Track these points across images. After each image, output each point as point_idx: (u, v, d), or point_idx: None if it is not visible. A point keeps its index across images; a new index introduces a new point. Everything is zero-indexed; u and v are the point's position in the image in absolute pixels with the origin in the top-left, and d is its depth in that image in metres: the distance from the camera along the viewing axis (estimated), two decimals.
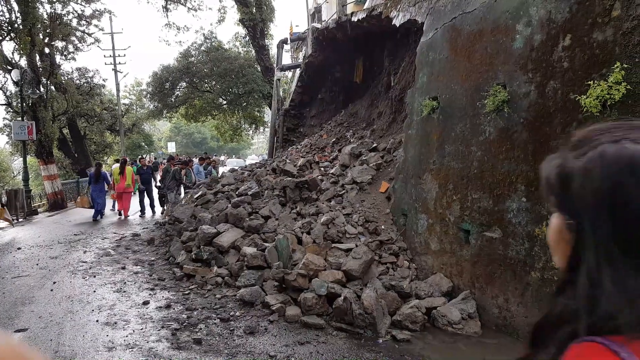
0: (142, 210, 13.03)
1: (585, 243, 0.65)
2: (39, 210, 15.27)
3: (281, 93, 17.06)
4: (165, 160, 16.48)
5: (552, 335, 0.67)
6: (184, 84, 23.79)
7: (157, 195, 13.45)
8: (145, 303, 5.35)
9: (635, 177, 0.62)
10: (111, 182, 13.04)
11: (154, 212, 13.23)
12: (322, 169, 8.87)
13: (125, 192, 12.76)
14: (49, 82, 16.95)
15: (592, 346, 0.61)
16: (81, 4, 18.61)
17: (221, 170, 18.07)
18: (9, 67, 15.35)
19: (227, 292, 5.59)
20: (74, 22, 18.93)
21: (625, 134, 0.65)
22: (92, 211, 12.92)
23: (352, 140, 9.95)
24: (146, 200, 13.21)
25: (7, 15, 14.55)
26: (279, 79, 17.57)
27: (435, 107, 5.33)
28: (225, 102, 24.35)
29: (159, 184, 13.41)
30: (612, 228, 0.63)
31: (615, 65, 3.25)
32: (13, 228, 11.33)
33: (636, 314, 0.60)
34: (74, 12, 18.72)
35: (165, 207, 12.97)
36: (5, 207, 11.46)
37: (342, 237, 5.96)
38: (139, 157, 16.90)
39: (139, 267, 7.07)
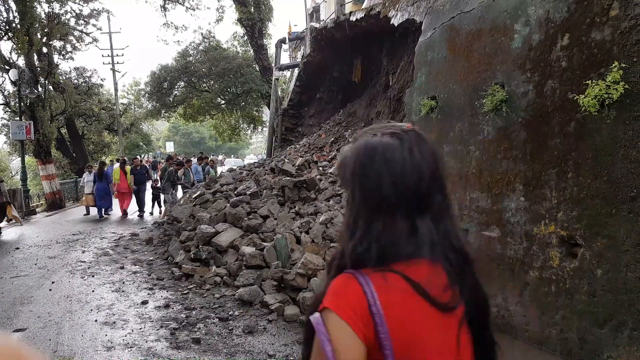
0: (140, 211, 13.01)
1: (348, 205, 0.94)
2: (37, 210, 15.25)
3: (279, 93, 17.05)
4: (164, 160, 16.42)
5: (332, 269, 0.93)
6: (182, 83, 23.76)
7: (151, 196, 13.23)
8: (144, 303, 5.35)
9: (370, 157, 0.89)
10: (112, 182, 13.06)
11: (143, 212, 12.93)
12: (320, 168, 8.87)
13: (126, 191, 12.82)
14: (47, 81, 16.92)
15: (345, 275, 0.86)
16: (79, 4, 18.59)
17: (219, 169, 18.05)
18: (7, 67, 15.31)
19: (225, 291, 5.59)
20: (72, 22, 18.92)
21: (373, 131, 0.94)
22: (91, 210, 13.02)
23: (350, 140, 9.95)
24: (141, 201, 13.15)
25: (4, 14, 14.54)
26: (277, 79, 17.57)
27: (433, 107, 5.34)
28: (223, 101, 24.33)
29: (153, 183, 13.32)
30: (360, 193, 0.90)
31: (614, 65, 3.26)
32: (12, 228, 11.30)
33: (371, 253, 0.85)
34: (72, 11, 18.70)
35: (159, 207, 12.89)
36: (11, 205, 11.32)
37: None
38: (133, 157, 16.43)
39: (137, 266, 7.06)
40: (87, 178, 13.36)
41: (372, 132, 0.94)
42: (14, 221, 11.52)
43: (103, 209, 12.95)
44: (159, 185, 13.10)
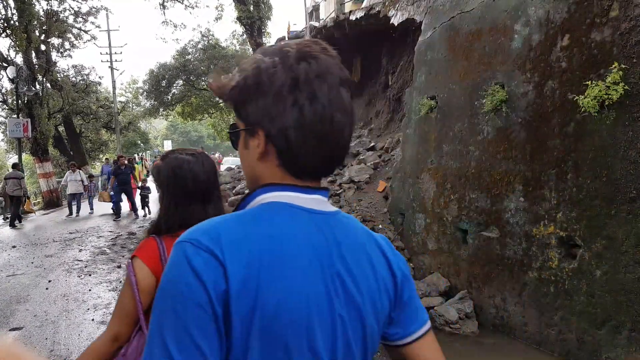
0: (129, 211, 12.10)
1: (162, 196, 1.46)
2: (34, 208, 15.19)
3: None
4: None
5: (145, 234, 1.48)
6: (181, 81, 23.71)
7: (140, 196, 12.47)
8: None
9: (179, 167, 1.43)
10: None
11: (136, 213, 12.27)
12: None
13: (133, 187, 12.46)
14: (44, 79, 16.85)
15: (150, 238, 1.43)
16: (78, 1, 18.55)
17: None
18: (5, 64, 15.25)
19: None
20: (71, 19, 18.85)
21: (178, 152, 1.51)
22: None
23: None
24: (132, 202, 12.45)
25: (3, 11, 14.46)
26: None
27: (433, 107, 5.33)
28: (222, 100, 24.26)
29: (142, 183, 12.78)
30: (172, 188, 1.43)
31: (613, 66, 3.26)
32: (6, 227, 11.26)
33: (167, 226, 1.42)
34: (71, 9, 18.64)
35: (148, 209, 12.32)
36: (29, 199, 12.87)
37: None
38: (119, 155, 14.98)
39: None
40: (70, 177, 12.80)
41: (178, 152, 1.50)
42: (29, 212, 13.08)
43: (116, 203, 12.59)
44: (147, 185, 12.63)
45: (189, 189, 1.41)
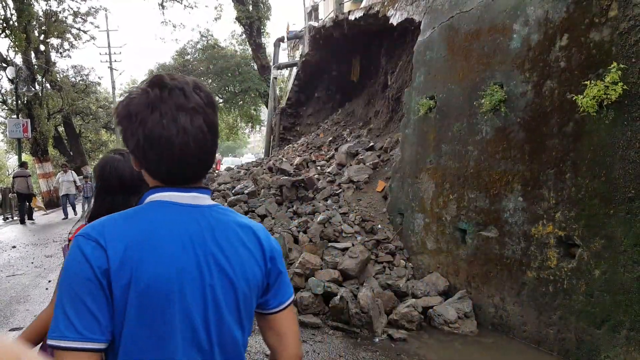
0: None
1: (95, 189, 1.72)
2: (34, 208, 15.18)
3: (278, 92, 17.02)
4: None
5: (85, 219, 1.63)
6: None
7: None
8: None
9: (105, 165, 1.65)
10: None
11: None
12: (318, 167, 8.85)
13: None
14: (44, 79, 16.85)
15: (82, 225, 1.49)
16: (77, 1, 18.51)
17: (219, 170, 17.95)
18: (4, 65, 15.24)
19: None
20: (70, 19, 18.83)
21: (112, 152, 1.71)
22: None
23: (348, 139, 9.94)
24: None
25: (2, 12, 14.44)
26: (275, 78, 17.52)
27: (432, 107, 5.33)
28: (221, 100, 24.28)
29: None
30: (101, 183, 1.65)
31: (612, 66, 3.26)
32: (9, 226, 11.25)
33: (94, 214, 1.58)
34: (70, 9, 18.62)
35: None
36: (36, 197, 13.38)
37: (339, 237, 5.95)
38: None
39: None
40: (62, 178, 12.82)
41: (110, 152, 1.73)
42: (39, 210, 13.83)
43: None
44: None
45: (113, 183, 1.64)
